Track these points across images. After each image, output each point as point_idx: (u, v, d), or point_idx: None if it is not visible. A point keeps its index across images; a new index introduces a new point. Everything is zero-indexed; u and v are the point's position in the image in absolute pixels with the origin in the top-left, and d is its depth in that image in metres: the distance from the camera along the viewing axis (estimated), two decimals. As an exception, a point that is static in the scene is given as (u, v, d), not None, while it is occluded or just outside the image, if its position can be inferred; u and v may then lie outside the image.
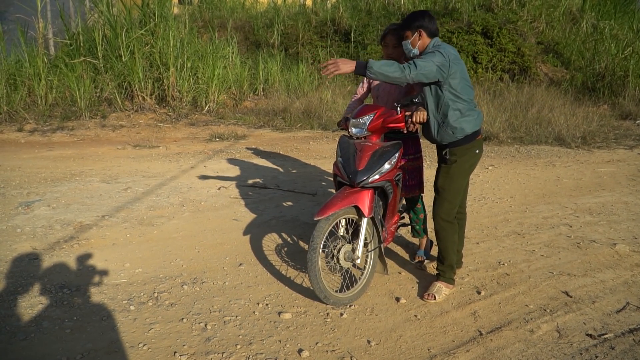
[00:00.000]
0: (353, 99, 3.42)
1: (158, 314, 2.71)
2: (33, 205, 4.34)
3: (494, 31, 10.60)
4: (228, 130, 7.98)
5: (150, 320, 2.65)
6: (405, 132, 2.97)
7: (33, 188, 4.83)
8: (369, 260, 2.93)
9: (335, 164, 2.92)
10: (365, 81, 3.39)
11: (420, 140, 3.29)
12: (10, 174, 5.32)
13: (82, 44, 8.92)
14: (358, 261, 2.82)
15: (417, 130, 3.09)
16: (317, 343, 2.48)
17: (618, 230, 4.02)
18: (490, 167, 6.07)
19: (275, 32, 11.78)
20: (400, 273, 3.28)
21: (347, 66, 2.54)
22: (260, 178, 5.42)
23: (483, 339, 2.52)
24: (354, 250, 2.80)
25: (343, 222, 2.83)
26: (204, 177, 5.31)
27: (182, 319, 2.67)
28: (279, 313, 2.74)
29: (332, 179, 4.29)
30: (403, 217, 3.54)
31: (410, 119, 2.80)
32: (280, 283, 3.10)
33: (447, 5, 11.71)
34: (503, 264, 3.40)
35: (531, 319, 2.71)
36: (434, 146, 3.04)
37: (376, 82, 3.31)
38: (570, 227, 4.11)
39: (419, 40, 2.78)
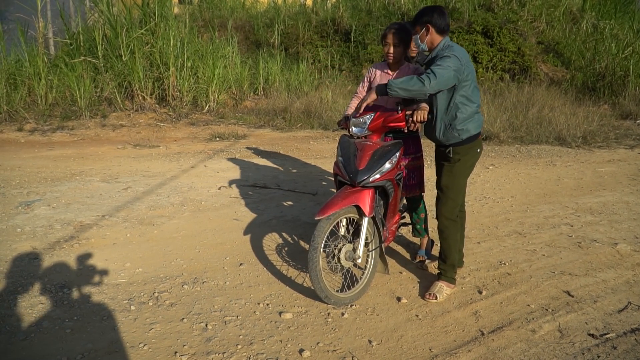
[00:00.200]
0: (354, 99, 3.41)
1: (158, 313, 2.70)
2: (33, 204, 4.33)
3: (495, 31, 10.59)
4: (228, 129, 7.97)
5: (151, 320, 2.64)
6: (405, 131, 2.97)
7: (33, 187, 4.83)
8: (370, 259, 2.92)
9: (336, 164, 2.91)
10: (366, 80, 3.38)
11: (421, 139, 3.28)
12: (11, 173, 5.32)
13: (82, 44, 8.92)
14: (359, 261, 2.81)
15: (417, 129, 3.08)
16: (318, 343, 2.47)
17: (619, 230, 4.01)
18: (491, 167, 6.06)
19: (276, 32, 11.77)
20: (401, 273, 3.27)
21: (372, 96, 2.80)
22: (260, 178, 5.42)
23: (485, 339, 2.51)
24: (354, 249, 2.79)
25: (344, 222, 2.83)
26: (204, 177, 5.30)
27: (183, 318, 2.66)
28: (280, 313, 2.73)
29: (332, 179, 4.28)
30: (404, 217, 3.53)
31: (410, 118, 2.80)
32: (281, 283, 3.09)
33: (447, 5, 11.70)
34: (504, 264, 3.39)
35: (533, 318, 2.70)
36: (434, 145, 3.04)
37: (377, 81, 3.30)
38: (572, 226, 4.10)
39: (427, 35, 2.77)
